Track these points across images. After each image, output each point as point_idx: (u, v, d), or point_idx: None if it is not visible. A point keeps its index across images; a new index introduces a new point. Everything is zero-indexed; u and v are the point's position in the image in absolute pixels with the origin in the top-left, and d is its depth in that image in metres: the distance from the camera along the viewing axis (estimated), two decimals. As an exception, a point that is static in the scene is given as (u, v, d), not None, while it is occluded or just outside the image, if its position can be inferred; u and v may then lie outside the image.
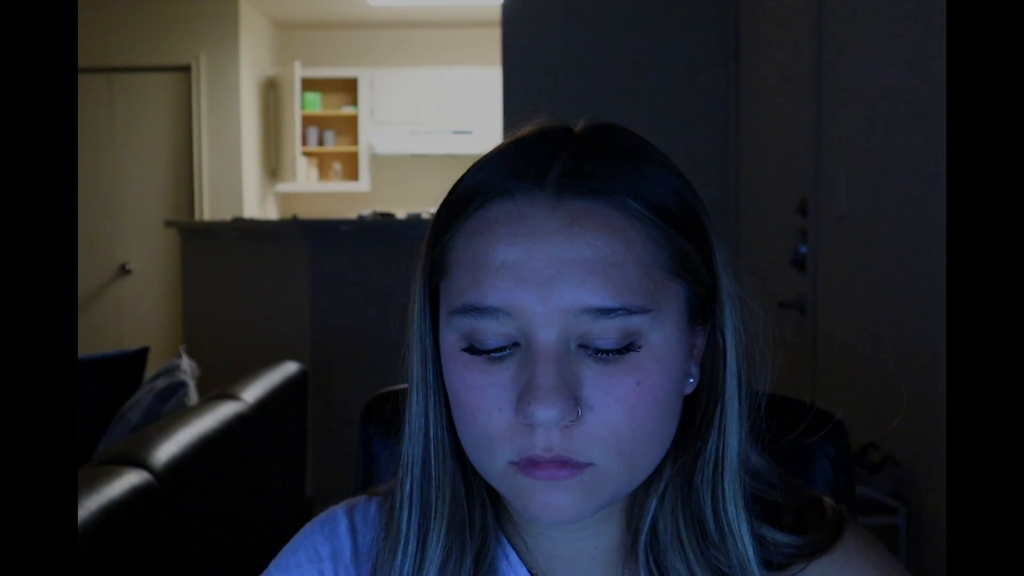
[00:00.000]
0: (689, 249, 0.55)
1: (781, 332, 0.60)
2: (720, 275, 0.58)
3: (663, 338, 0.54)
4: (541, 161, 0.55)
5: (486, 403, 0.54)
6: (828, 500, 0.63)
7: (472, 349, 0.54)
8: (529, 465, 0.53)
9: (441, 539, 0.59)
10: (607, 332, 0.52)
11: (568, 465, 0.52)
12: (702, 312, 0.58)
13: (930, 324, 1.81)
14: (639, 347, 0.53)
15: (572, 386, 0.52)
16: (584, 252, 0.52)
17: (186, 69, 5.36)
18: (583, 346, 0.52)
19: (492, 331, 0.53)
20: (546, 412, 0.51)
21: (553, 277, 0.51)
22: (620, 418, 0.52)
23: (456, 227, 0.56)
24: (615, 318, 0.52)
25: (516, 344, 0.53)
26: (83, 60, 4.93)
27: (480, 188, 0.55)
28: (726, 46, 3.19)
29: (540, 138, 0.57)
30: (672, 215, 0.55)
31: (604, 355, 0.52)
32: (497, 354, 0.53)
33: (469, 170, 0.58)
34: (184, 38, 5.36)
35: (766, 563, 0.58)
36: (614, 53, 3.21)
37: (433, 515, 0.59)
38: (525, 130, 0.58)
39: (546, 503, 0.53)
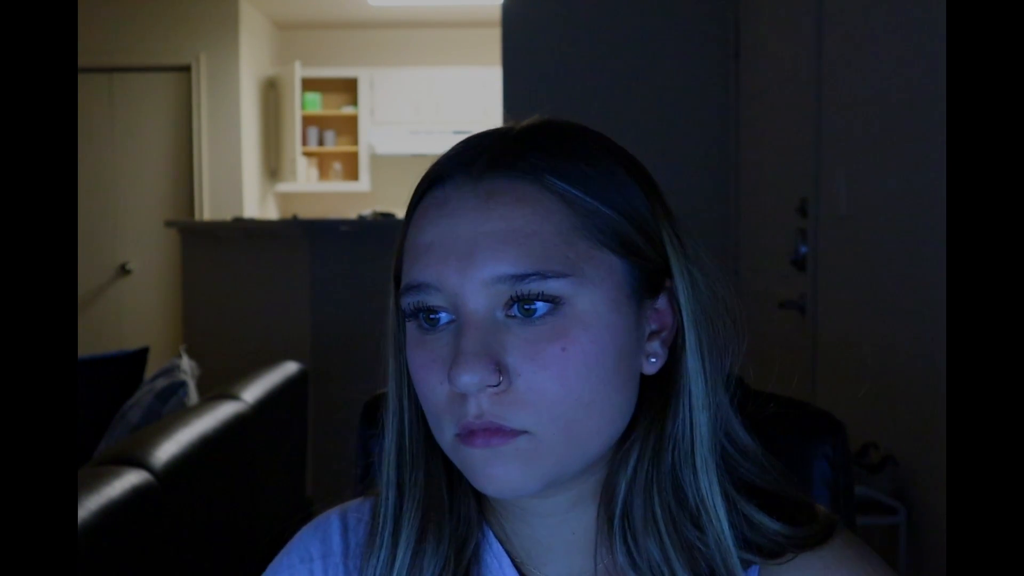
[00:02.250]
0: (621, 223, 0.57)
1: (747, 313, 0.61)
2: (670, 254, 0.59)
3: (591, 305, 0.55)
4: (475, 151, 0.58)
5: (430, 378, 0.56)
6: (821, 507, 0.63)
7: (419, 327, 0.57)
8: (468, 435, 0.55)
9: (414, 520, 0.61)
10: (526, 297, 0.54)
11: (501, 432, 0.54)
12: (652, 288, 0.59)
13: (930, 324, 1.81)
14: (561, 312, 0.55)
15: (495, 352, 0.54)
16: (498, 224, 0.55)
17: (186, 69, 5.37)
18: (510, 316, 0.55)
19: (428, 307, 0.56)
20: (466, 376, 0.53)
21: (471, 250, 0.55)
22: (548, 384, 0.54)
23: (407, 220, 0.60)
24: (530, 283, 0.54)
25: (453, 321, 0.56)
26: (83, 60, 4.93)
27: (423, 182, 0.60)
28: (726, 46, 3.19)
29: (483, 133, 0.61)
30: (600, 190, 0.57)
31: (528, 322, 0.54)
32: (432, 327, 0.57)
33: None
34: (184, 38, 5.36)
35: (757, 548, 0.58)
36: (614, 53, 3.21)
37: (407, 497, 0.61)
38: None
39: (489, 474, 0.55)
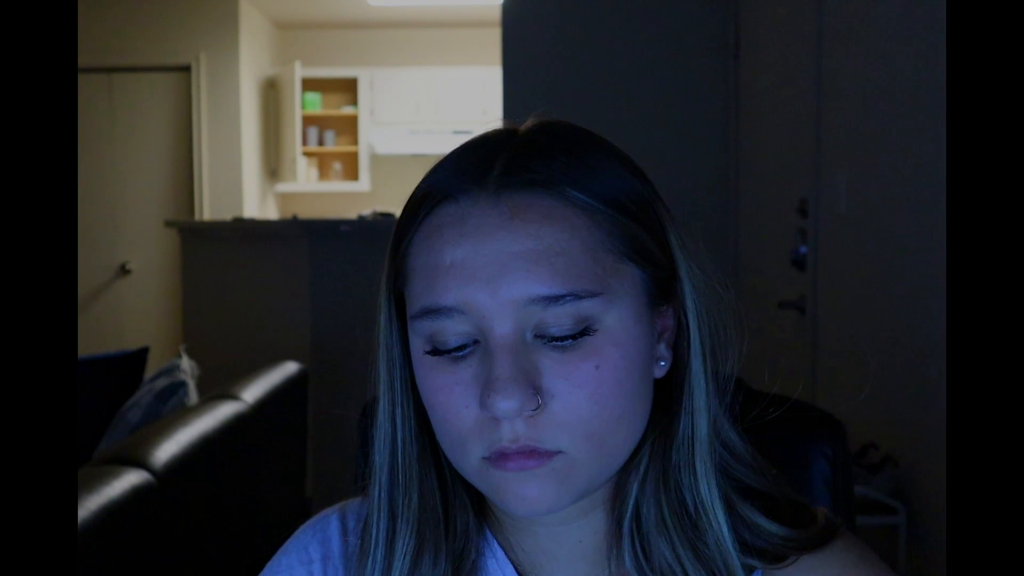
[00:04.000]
0: (639, 233, 0.56)
1: (747, 313, 0.61)
2: (677, 257, 0.58)
3: (619, 321, 0.54)
4: (483, 162, 0.56)
5: (453, 402, 0.55)
6: (823, 510, 0.63)
7: (435, 351, 0.55)
8: (499, 458, 0.54)
9: (408, 544, 0.60)
10: (560, 319, 0.53)
11: (536, 454, 0.53)
12: (663, 294, 0.58)
13: (930, 324, 1.81)
14: (594, 331, 0.54)
15: (531, 376, 0.53)
16: (527, 244, 0.53)
17: (186, 69, 5.36)
18: (539, 336, 0.54)
19: (451, 331, 0.54)
20: (506, 403, 0.52)
21: (500, 271, 0.53)
22: (583, 403, 0.53)
23: (410, 235, 0.58)
24: (565, 304, 0.53)
25: (476, 342, 0.55)
26: (83, 60, 4.93)
27: (428, 194, 0.57)
28: (726, 46, 3.19)
29: (484, 140, 0.58)
30: (617, 201, 0.55)
31: (560, 342, 0.53)
32: (458, 353, 0.55)
33: (423, 177, 0.59)
34: (184, 38, 5.36)
35: (758, 553, 0.58)
36: (614, 53, 3.21)
37: (400, 520, 0.60)
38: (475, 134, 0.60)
39: (521, 495, 0.54)
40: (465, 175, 0.56)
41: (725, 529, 0.57)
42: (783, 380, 0.74)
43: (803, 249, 2.52)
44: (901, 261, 1.98)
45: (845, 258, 2.30)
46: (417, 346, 0.57)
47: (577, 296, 0.53)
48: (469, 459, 0.56)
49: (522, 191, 0.54)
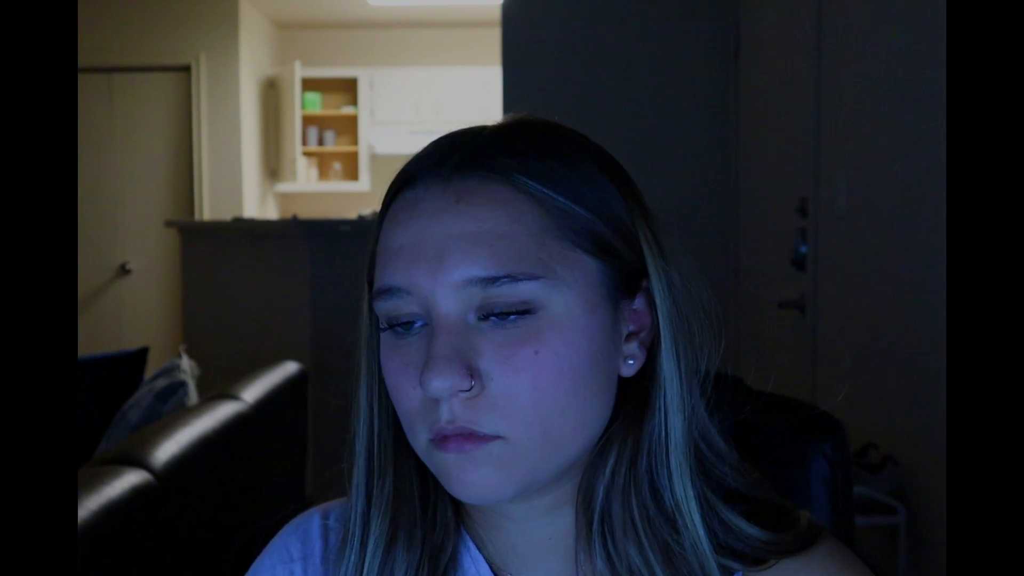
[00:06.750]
0: (596, 224, 0.56)
1: (724, 310, 0.60)
2: (646, 254, 0.58)
3: (564, 308, 0.54)
4: (446, 151, 0.57)
5: (403, 383, 0.56)
6: (806, 514, 0.62)
7: (390, 330, 0.57)
8: (441, 440, 0.54)
9: (381, 527, 0.60)
10: (500, 301, 0.53)
11: (474, 437, 0.54)
12: (630, 289, 0.58)
13: (930, 324, 1.81)
14: (535, 315, 0.54)
15: (467, 356, 0.53)
16: (469, 226, 0.54)
17: (186, 69, 5.37)
18: (482, 319, 0.54)
19: (402, 311, 0.55)
20: (437, 381, 0.52)
21: (441, 253, 0.54)
22: (522, 388, 0.53)
23: (379, 222, 0.60)
24: (502, 286, 0.53)
25: (426, 325, 0.55)
26: (83, 60, 4.93)
27: (394, 182, 0.60)
28: (726, 46, 3.19)
29: (455, 133, 0.60)
30: (573, 189, 0.56)
31: (500, 324, 0.54)
32: (408, 333, 0.56)
33: None
34: (184, 38, 5.36)
35: (738, 555, 0.58)
36: (614, 53, 3.21)
37: (374, 505, 0.61)
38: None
39: (463, 480, 0.54)
40: (426, 163, 0.57)
41: (701, 531, 0.57)
42: (783, 380, 0.74)
43: (803, 249, 2.52)
44: (901, 261, 1.98)
45: (845, 258, 2.30)
46: (378, 326, 0.58)
47: (514, 278, 0.53)
48: (418, 441, 0.56)
49: (472, 177, 0.55)
